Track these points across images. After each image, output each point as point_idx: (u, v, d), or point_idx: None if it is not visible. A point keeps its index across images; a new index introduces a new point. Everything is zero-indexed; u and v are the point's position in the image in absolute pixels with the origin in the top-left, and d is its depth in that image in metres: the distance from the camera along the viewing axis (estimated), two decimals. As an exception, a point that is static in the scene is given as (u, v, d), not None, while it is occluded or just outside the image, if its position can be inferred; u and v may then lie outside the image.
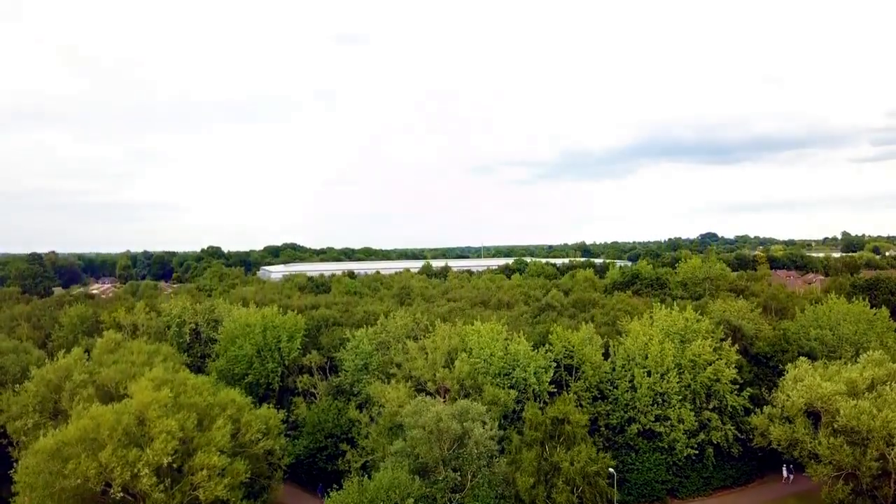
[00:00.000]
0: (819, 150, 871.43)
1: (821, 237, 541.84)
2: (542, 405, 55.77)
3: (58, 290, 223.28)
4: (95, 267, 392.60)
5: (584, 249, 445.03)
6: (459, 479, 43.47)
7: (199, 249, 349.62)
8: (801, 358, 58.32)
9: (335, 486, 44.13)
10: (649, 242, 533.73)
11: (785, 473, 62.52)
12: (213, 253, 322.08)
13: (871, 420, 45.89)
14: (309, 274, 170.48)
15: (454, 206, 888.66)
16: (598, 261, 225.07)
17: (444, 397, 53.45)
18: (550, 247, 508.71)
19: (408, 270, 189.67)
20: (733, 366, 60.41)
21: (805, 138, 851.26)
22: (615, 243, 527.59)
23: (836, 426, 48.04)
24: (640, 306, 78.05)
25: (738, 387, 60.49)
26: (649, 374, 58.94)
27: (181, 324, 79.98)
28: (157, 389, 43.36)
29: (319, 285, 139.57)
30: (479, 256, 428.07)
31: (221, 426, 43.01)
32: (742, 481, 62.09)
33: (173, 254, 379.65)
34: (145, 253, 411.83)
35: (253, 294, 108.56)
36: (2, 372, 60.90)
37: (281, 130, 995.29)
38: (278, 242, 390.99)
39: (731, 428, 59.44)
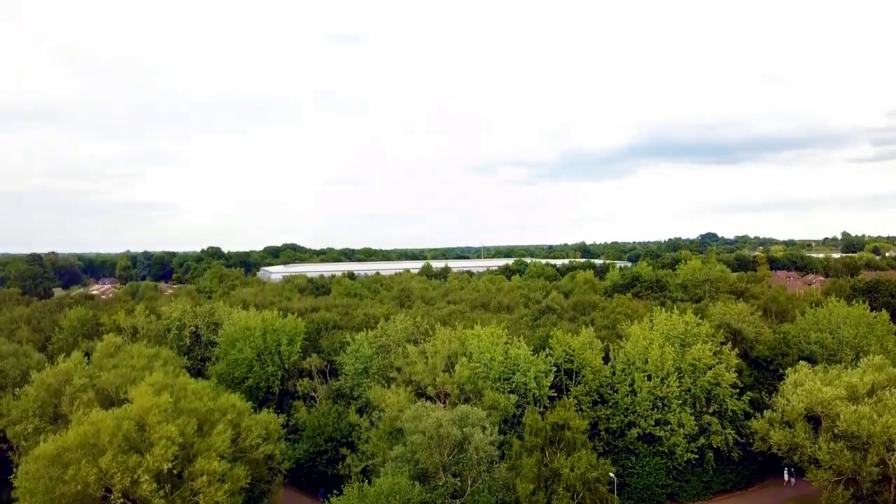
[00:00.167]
0: (819, 150, 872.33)
1: (821, 237, 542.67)
2: (542, 409, 55.72)
3: (58, 291, 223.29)
4: (95, 267, 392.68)
5: (584, 250, 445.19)
6: (459, 484, 43.42)
7: (199, 250, 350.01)
8: (801, 362, 58.30)
9: (335, 491, 44.10)
10: (649, 243, 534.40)
11: (786, 477, 62.56)
12: (213, 253, 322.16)
13: (871, 425, 45.84)
14: (309, 275, 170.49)
15: (454, 206, 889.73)
16: (598, 261, 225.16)
17: (445, 402, 53.43)
18: (550, 247, 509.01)
19: (408, 271, 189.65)
20: (733, 370, 60.41)
21: (805, 138, 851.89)
22: (615, 243, 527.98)
23: (836, 431, 48.00)
24: (641, 309, 78.06)
25: (738, 391, 60.50)
26: (649, 378, 58.93)
27: (181, 327, 80.00)
28: (158, 394, 43.32)
29: (319, 287, 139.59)
30: (479, 257, 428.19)
31: (222, 431, 42.95)
32: (742, 485, 62.12)
33: (173, 254, 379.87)
34: (145, 253, 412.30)
35: (253, 296, 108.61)
36: (2, 376, 60.93)
37: (281, 130, 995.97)
38: (278, 243, 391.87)
39: (732, 432, 59.44)
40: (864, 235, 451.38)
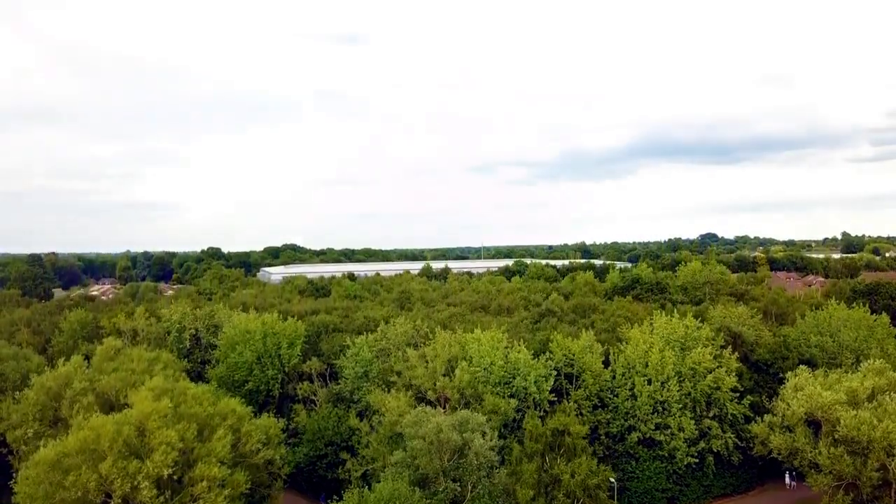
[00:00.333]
0: (819, 150, 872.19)
1: (821, 238, 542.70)
2: (542, 414, 55.75)
3: (58, 292, 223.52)
4: (95, 268, 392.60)
5: (584, 250, 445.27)
6: (459, 489, 43.41)
7: (199, 250, 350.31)
8: (802, 366, 58.25)
9: (335, 496, 44.11)
10: (649, 243, 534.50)
11: (788, 481, 62.61)
12: (213, 254, 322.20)
13: (871, 430, 45.85)
14: (309, 276, 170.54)
15: (454, 206, 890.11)
16: (598, 262, 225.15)
17: (445, 406, 53.41)
18: (550, 247, 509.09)
19: (408, 272, 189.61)
20: (734, 373, 60.42)
21: (805, 138, 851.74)
22: (615, 244, 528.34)
23: (836, 436, 47.99)
24: (641, 312, 78.04)
25: (738, 395, 60.51)
26: (650, 382, 58.92)
27: (181, 330, 79.99)
28: (158, 399, 43.28)
29: (319, 288, 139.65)
30: (479, 257, 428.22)
31: (222, 437, 42.92)
32: (742, 489, 62.18)
33: (173, 254, 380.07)
34: (145, 254, 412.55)
35: (253, 298, 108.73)
36: (2, 379, 60.95)
37: (281, 130, 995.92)
38: (278, 243, 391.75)
39: (732, 436, 59.46)
40: (864, 236, 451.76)
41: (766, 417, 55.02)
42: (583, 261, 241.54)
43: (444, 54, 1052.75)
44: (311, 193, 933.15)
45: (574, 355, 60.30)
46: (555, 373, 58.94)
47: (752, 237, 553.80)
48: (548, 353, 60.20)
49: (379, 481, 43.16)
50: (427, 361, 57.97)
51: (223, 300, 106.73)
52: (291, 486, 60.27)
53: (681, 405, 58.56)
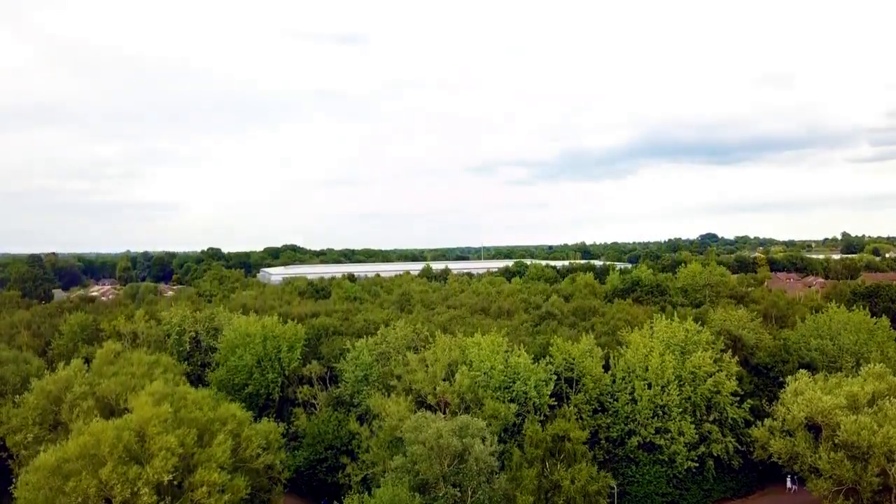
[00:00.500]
0: (819, 150, 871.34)
1: (821, 238, 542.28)
2: (542, 418, 55.78)
3: (58, 293, 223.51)
4: (95, 268, 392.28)
5: (584, 250, 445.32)
6: (459, 495, 43.39)
7: (199, 250, 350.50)
8: (802, 371, 58.25)
9: (336, 501, 44.10)
10: (649, 243, 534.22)
11: (789, 484, 62.55)
12: (213, 255, 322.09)
13: (871, 435, 45.86)
14: (309, 277, 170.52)
15: (454, 207, 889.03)
16: (598, 263, 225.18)
17: (445, 411, 53.39)
18: (550, 247, 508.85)
19: (408, 273, 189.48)
20: (734, 377, 60.40)
21: (805, 138, 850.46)
22: (615, 244, 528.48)
23: (836, 441, 47.99)
24: (641, 315, 78.06)
25: (738, 399, 60.49)
26: (650, 386, 58.90)
27: (181, 332, 79.96)
28: (158, 404, 43.27)
29: (319, 290, 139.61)
30: (479, 257, 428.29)
31: (222, 442, 42.90)
32: (743, 493, 62.16)
33: (173, 255, 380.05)
34: (145, 254, 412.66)
35: (253, 300, 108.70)
36: (2, 382, 60.92)
37: (281, 130, 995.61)
38: (278, 243, 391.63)
39: (732, 440, 59.47)
40: (864, 236, 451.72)
41: (767, 421, 55.01)
42: (583, 261, 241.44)
43: (444, 54, 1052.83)
44: (311, 193, 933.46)
45: (574, 359, 60.29)
46: (555, 377, 58.92)
47: (752, 237, 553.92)
48: (548, 358, 60.19)
49: (379, 486, 43.18)
50: (427, 365, 57.97)
51: (223, 302, 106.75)
52: (291, 490, 60.25)
53: (681, 409, 58.54)
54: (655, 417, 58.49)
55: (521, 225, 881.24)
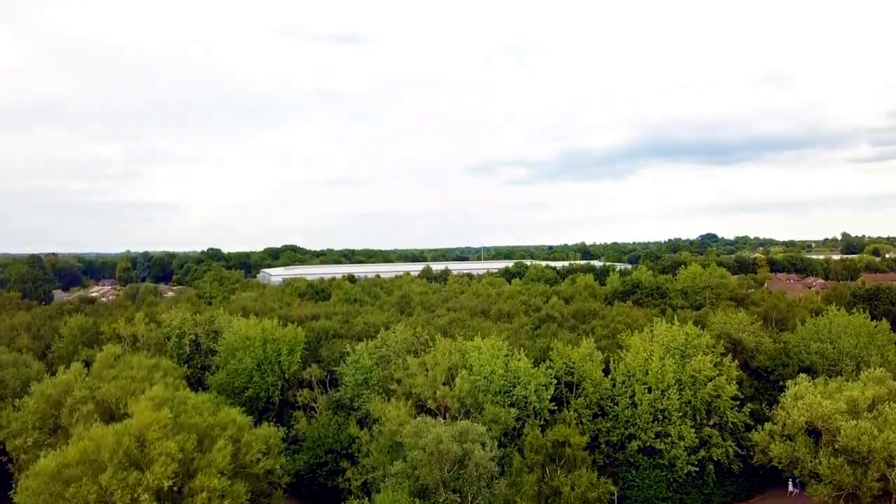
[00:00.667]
0: (819, 150, 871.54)
1: (821, 238, 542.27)
2: (542, 423, 55.75)
3: (58, 293, 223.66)
4: (95, 269, 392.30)
5: (584, 251, 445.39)
6: (460, 501, 43.35)
7: (199, 250, 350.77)
8: (801, 374, 58.26)
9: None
10: (649, 243, 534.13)
11: (790, 487, 62.54)
12: (213, 255, 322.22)
13: (871, 441, 45.82)
14: (308, 278, 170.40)
15: (454, 207, 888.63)
16: (598, 263, 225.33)
17: (445, 415, 53.36)
18: (550, 248, 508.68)
19: (408, 274, 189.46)
20: (734, 381, 60.38)
21: (805, 138, 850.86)
22: (615, 244, 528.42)
23: (836, 446, 47.96)
24: (641, 318, 78.06)
25: (738, 402, 60.46)
26: (650, 390, 58.88)
27: (181, 335, 79.91)
28: (158, 409, 43.24)
29: (319, 291, 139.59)
30: (479, 258, 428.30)
31: (222, 447, 42.85)
32: (743, 497, 62.13)
33: (173, 255, 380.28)
34: (145, 254, 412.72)
35: (253, 302, 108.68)
36: (2, 386, 60.90)
37: (281, 130, 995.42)
38: (278, 244, 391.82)
39: (732, 444, 59.42)
40: (864, 236, 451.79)
41: (767, 426, 54.99)
42: (583, 262, 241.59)
43: (444, 54, 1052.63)
44: (311, 193, 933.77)
45: (574, 363, 60.25)
46: (555, 381, 58.87)
47: (751, 238, 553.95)
48: (548, 362, 60.17)
49: (379, 491, 43.19)
50: (427, 370, 57.92)
51: (223, 304, 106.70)
52: (291, 494, 60.24)
53: (681, 413, 58.51)
54: (655, 421, 58.46)
55: (521, 225, 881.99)
